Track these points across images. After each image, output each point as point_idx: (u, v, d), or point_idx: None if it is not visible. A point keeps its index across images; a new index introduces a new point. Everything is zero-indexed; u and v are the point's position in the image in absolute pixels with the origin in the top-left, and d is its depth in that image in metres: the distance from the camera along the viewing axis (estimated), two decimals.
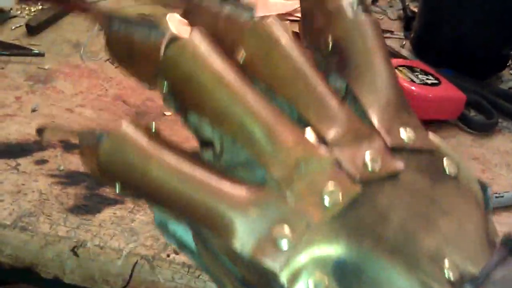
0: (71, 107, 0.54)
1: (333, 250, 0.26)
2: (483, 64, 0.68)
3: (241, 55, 0.31)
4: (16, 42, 0.63)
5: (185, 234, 0.30)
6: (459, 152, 0.55)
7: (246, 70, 0.30)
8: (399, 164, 0.28)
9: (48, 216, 0.41)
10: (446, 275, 0.25)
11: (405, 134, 0.30)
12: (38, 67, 0.59)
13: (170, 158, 0.28)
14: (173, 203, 0.28)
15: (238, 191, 0.28)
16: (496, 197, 0.48)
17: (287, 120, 0.29)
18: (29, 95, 0.54)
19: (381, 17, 0.83)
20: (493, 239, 0.28)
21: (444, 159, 0.29)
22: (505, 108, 0.62)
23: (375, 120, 0.30)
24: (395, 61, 0.62)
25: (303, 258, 0.26)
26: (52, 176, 0.45)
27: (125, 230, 0.41)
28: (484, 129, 0.59)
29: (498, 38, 0.68)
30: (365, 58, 0.32)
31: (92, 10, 0.32)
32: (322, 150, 0.28)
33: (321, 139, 0.29)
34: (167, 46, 0.28)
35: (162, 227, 0.31)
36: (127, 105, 0.55)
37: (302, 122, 0.29)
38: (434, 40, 0.69)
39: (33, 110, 0.52)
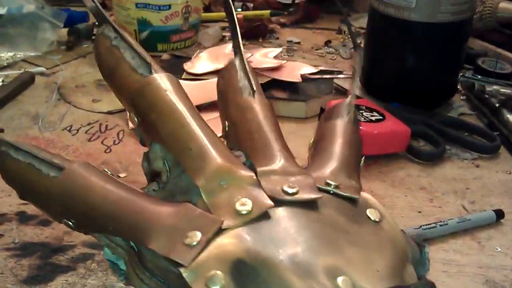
0: None
1: (235, 251, 0.29)
2: (430, 95, 0.71)
3: (226, 125, 0.40)
4: None
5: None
6: (407, 183, 0.57)
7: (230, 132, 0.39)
8: (315, 195, 0.33)
9: None
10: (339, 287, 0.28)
11: (332, 183, 0.34)
12: None
13: (106, 187, 0.34)
14: (108, 224, 0.33)
15: (160, 207, 0.33)
16: (441, 225, 0.50)
17: (224, 148, 0.35)
18: None
19: (333, 57, 0.86)
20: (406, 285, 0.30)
21: (369, 208, 0.34)
22: (453, 135, 0.65)
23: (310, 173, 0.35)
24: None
25: (207, 256, 0.29)
26: (7, 249, 0.46)
27: None
28: (432, 158, 0.61)
29: (442, 69, 0.70)
30: (329, 147, 0.38)
31: None
32: (246, 172, 0.33)
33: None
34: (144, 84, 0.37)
35: (115, 268, 0.36)
36: None
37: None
38: (380, 76, 0.72)
39: None
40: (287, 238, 0.30)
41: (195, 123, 0.35)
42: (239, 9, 1.03)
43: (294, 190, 0.32)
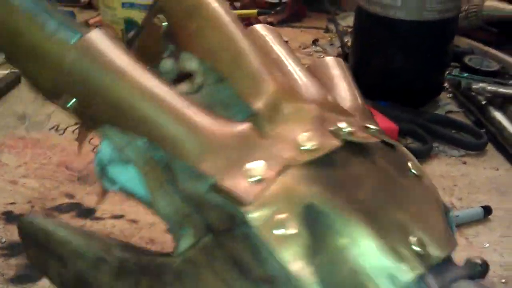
0: (15, 178, 0.55)
1: (306, 193, 0.25)
2: (417, 93, 0.71)
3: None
4: None
5: (132, 179, 0.28)
6: None
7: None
8: (371, 138, 0.28)
9: None
10: (414, 247, 0.25)
11: (372, 127, 0.30)
12: None
13: (142, 79, 0.27)
14: (139, 125, 0.27)
15: (211, 120, 0.27)
16: None
17: (280, 73, 0.30)
18: None
19: (321, 56, 0.86)
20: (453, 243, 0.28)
21: (410, 161, 0.30)
22: (440, 132, 0.65)
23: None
24: None
25: (274, 195, 0.24)
26: None
27: None
28: (419, 156, 0.61)
29: (429, 67, 0.71)
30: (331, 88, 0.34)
31: None
32: (309, 103, 0.28)
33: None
34: None
35: (102, 172, 0.30)
36: (70, 171, 0.56)
37: None
38: (367, 75, 0.72)
39: None
40: (355, 186, 0.26)
41: (245, 38, 0.29)
42: None
43: (352, 129, 0.27)
